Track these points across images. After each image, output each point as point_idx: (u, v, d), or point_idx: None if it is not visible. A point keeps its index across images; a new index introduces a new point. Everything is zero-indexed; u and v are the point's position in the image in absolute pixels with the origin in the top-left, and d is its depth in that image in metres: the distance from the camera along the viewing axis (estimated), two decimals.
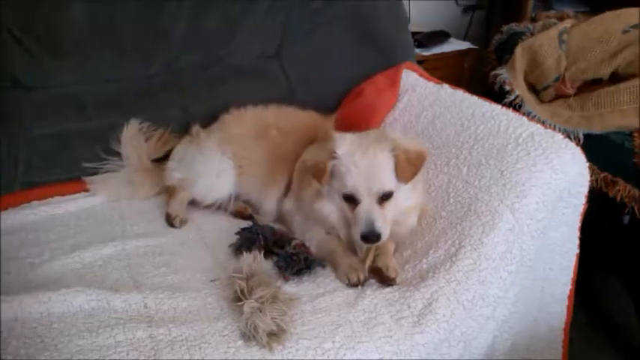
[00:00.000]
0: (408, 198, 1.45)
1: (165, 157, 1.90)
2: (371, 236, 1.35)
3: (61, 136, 1.84)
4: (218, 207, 1.80)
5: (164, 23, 1.94)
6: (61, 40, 1.82)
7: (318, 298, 1.32)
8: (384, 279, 1.35)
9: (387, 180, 1.39)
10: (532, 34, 2.27)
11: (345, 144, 1.41)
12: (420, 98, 1.81)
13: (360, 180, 1.37)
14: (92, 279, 1.39)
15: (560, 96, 2.15)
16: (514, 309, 1.45)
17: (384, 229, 1.36)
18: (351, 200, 1.39)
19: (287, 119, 1.82)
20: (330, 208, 1.46)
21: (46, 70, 1.82)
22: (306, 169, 1.52)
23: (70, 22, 1.81)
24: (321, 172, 1.41)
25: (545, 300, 1.56)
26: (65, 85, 1.86)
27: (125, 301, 1.28)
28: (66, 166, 1.84)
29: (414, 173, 1.41)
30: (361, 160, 1.37)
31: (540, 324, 1.57)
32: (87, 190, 1.83)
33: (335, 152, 1.40)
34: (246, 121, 1.83)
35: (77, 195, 1.81)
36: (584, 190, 1.47)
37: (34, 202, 1.74)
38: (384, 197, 1.38)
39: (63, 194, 1.80)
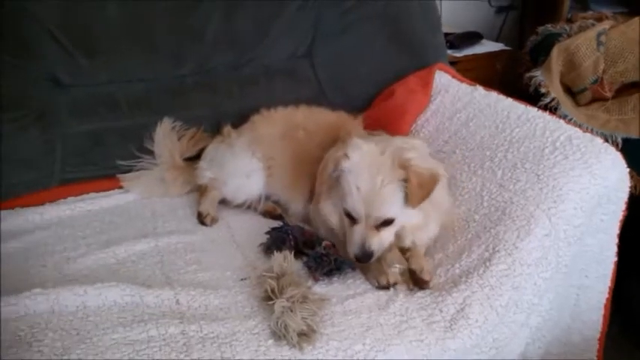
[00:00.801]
0: (413, 217, 1.37)
1: (197, 156, 1.92)
2: (363, 258, 1.33)
3: (95, 134, 1.88)
4: (248, 206, 1.81)
5: (196, 24, 1.96)
6: (96, 39, 1.86)
7: (349, 299, 1.31)
8: (417, 282, 1.33)
9: (390, 210, 1.33)
10: (569, 36, 2.22)
11: (356, 156, 1.35)
12: (453, 100, 1.79)
13: (359, 204, 1.32)
14: (125, 274, 1.41)
15: (597, 99, 2.11)
16: (548, 316, 1.42)
17: (377, 247, 1.33)
18: (350, 217, 1.36)
19: (315, 120, 1.81)
20: (332, 211, 1.44)
21: (81, 68, 1.85)
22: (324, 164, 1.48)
23: (105, 23, 1.85)
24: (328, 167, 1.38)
25: (580, 308, 1.52)
26: (100, 84, 1.90)
27: (158, 297, 1.30)
28: (100, 163, 1.87)
29: (424, 198, 1.34)
30: (366, 185, 1.31)
31: (574, 333, 1.54)
32: (120, 187, 1.86)
33: (341, 163, 1.35)
34: (275, 122, 1.84)
35: (111, 192, 1.85)
36: (624, 196, 1.43)
37: (70, 198, 1.78)
38: (384, 224, 1.34)
39: (97, 191, 1.83)
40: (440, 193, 1.42)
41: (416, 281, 1.33)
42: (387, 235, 1.36)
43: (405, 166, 1.32)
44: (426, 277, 1.32)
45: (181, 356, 1.12)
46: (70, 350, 1.14)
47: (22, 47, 1.77)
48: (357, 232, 1.34)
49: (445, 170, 1.48)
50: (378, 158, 1.34)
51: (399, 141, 1.43)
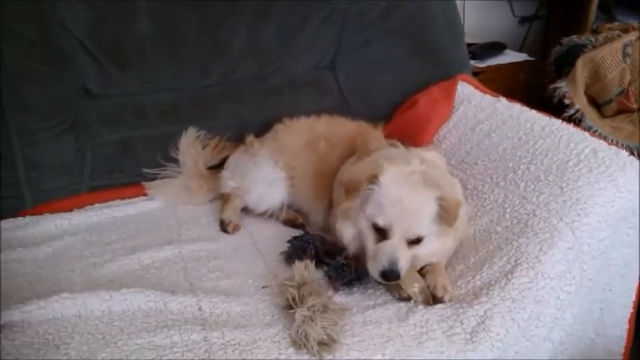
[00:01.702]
0: (432, 243, 1.37)
1: (220, 165, 1.95)
2: (391, 275, 1.29)
3: (124, 142, 1.93)
4: (270, 215, 1.83)
5: (223, 38, 2.00)
6: (126, 51, 1.91)
7: (369, 309, 1.31)
8: (432, 297, 1.32)
9: (425, 226, 1.33)
10: (594, 47, 2.20)
11: (392, 173, 1.34)
12: (476, 111, 1.79)
13: (399, 217, 1.31)
14: (149, 280, 1.44)
15: (622, 111, 2.08)
16: (571, 331, 1.40)
17: (405, 266, 1.31)
18: (380, 232, 1.33)
19: (335, 130, 1.82)
20: (350, 232, 1.41)
21: (111, 79, 1.91)
22: (341, 183, 1.47)
23: (135, 35, 1.90)
24: (354, 190, 1.36)
25: (604, 323, 1.49)
26: (129, 94, 1.95)
27: (181, 304, 1.32)
28: (127, 170, 1.92)
29: (455, 221, 1.34)
30: (407, 198, 1.31)
31: (598, 348, 1.51)
32: (145, 195, 1.91)
33: (377, 178, 1.34)
34: (297, 132, 1.86)
35: (136, 199, 1.89)
36: None
37: (97, 205, 1.83)
38: (415, 241, 1.33)
39: (123, 198, 1.88)
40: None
41: (432, 297, 1.32)
42: (411, 255, 1.34)
43: (437, 186, 1.34)
44: (439, 293, 1.31)
45: None
46: (95, 354, 1.16)
47: (57, 58, 1.82)
48: (389, 247, 1.30)
49: (463, 183, 1.49)
50: (410, 176, 1.35)
51: (416, 162, 1.41)
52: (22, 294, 1.37)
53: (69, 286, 1.39)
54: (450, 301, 1.31)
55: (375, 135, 1.75)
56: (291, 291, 1.28)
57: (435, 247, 1.38)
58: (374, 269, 1.32)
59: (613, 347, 1.53)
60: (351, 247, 1.42)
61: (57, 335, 1.22)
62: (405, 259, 1.31)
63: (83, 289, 1.37)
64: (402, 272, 1.30)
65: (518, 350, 1.27)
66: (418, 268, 1.38)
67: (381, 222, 1.32)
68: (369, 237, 1.36)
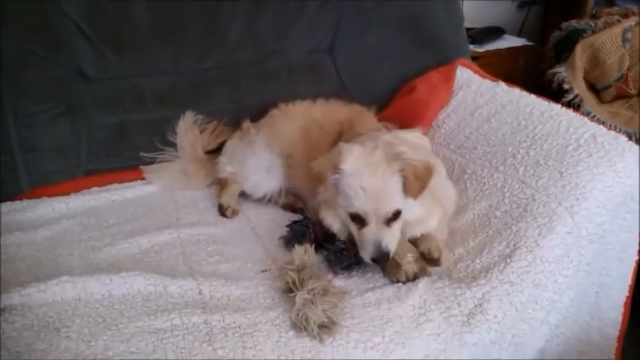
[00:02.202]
0: (414, 209, 1.36)
1: (218, 149, 1.95)
2: (380, 258, 1.31)
3: (120, 126, 1.92)
4: (268, 200, 1.83)
5: (220, 20, 1.98)
6: (122, 35, 1.89)
7: (368, 292, 1.32)
8: (429, 262, 1.34)
9: (396, 201, 1.32)
10: (593, 32, 2.19)
11: (351, 159, 1.32)
12: (475, 95, 1.78)
13: (368, 202, 1.30)
14: (149, 264, 1.44)
15: (621, 96, 2.08)
16: (567, 314, 1.42)
17: (391, 246, 1.32)
18: (358, 220, 1.34)
19: (330, 115, 1.80)
20: (334, 220, 1.42)
21: (108, 62, 1.89)
22: (313, 174, 1.45)
23: (132, 20, 1.88)
24: (322, 181, 1.37)
25: (600, 306, 1.51)
26: (125, 77, 1.93)
27: (181, 287, 1.33)
28: (124, 154, 1.91)
29: (422, 189, 1.32)
30: (369, 182, 1.30)
31: (593, 331, 1.53)
32: (143, 179, 1.90)
33: (338, 167, 1.33)
34: (292, 117, 1.84)
35: (134, 183, 1.88)
36: None
37: (95, 189, 1.83)
38: (392, 217, 1.33)
39: (121, 182, 1.87)
40: (438, 185, 1.40)
41: (428, 262, 1.33)
42: (397, 231, 1.35)
43: (398, 158, 1.32)
44: (434, 253, 1.32)
45: (204, 345, 1.15)
46: (96, 336, 1.17)
47: (54, 41, 1.81)
48: (370, 232, 1.31)
49: (462, 168, 1.45)
50: (371, 156, 1.33)
51: (387, 137, 1.40)
52: (21, 277, 1.37)
53: (68, 269, 1.39)
54: (446, 263, 1.32)
55: (366, 118, 1.74)
56: (291, 274, 1.28)
57: (419, 214, 1.37)
58: (364, 255, 1.34)
59: (608, 330, 1.54)
60: (341, 235, 1.42)
61: (57, 318, 1.23)
62: (389, 238, 1.32)
63: (82, 272, 1.37)
64: (391, 251, 1.32)
65: (516, 333, 1.28)
66: (410, 236, 1.39)
67: (354, 209, 1.32)
68: (351, 225, 1.36)
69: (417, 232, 1.39)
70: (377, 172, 1.30)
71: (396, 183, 1.31)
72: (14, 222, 1.62)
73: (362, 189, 1.30)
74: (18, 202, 1.73)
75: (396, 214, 1.33)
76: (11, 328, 1.19)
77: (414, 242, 1.40)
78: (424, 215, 1.38)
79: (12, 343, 1.15)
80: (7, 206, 1.70)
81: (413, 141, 1.47)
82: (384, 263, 1.34)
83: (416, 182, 1.31)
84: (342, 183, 1.33)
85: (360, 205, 1.31)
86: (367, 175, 1.30)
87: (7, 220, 1.63)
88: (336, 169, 1.33)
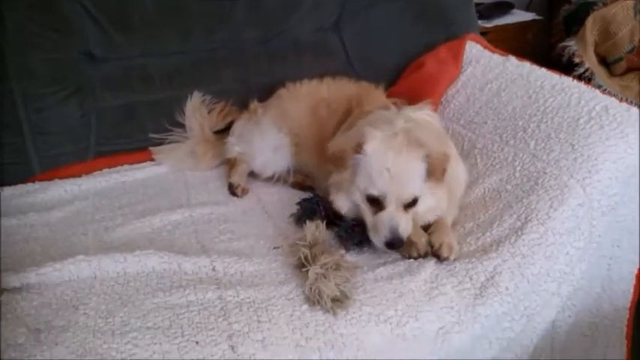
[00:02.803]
0: (427, 198, 1.36)
1: (226, 129, 1.95)
2: (396, 242, 1.30)
3: (128, 107, 1.91)
4: (277, 179, 1.83)
5: (226, 0, 1.96)
6: (129, 15, 1.88)
7: (380, 267, 1.32)
8: (436, 257, 1.34)
9: (417, 187, 1.31)
10: (604, 4, 2.17)
11: (376, 141, 1.31)
12: (485, 70, 1.77)
13: (390, 185, 1.29)
14: (161, 243, 1.46)
15: (632, 69, 2.06)
16: (579, 286, 1.42)
17: (406, 232, 1.31)
18: (375, 203, 1.32)
19: (337, 93, 1.79)
20: (345, 204, 1.40)
21: (115, 43, 1.88)
22: (328, 155, 1.43)
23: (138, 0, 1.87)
24: (340, 163, 1.35)
25: (611, 278, 1.51)
26: (132, 58, 1.92)
27: (194, 264, 1.34)
28: (134, 136, 1.92)
29: (442, 176, 1.33)
30: (395, 164, 1.28)
31: (604, 302, 1.53)
32: (153, 160, 1.91)
33: (362, 147, 1.31)
34: (300, 97, 1.84)
35: (144, 164, 1.89)
36: None
37: (106, 170, 1.84)
38: (411, 203, 1.32)
39: (131, 163, 1.89)
40: (449, 170, 1.38)
41: (436, 256, 1.33)
42: (410, 219, 1.34)
43: (422, 144, 1.31)
44: (444, 253, 1.31)
45: (219, 319, 1.17)
46: (114, 313, 1.19)
47: (60, 23, 1.80)
48: (387, 216, 1.30)
49: (472, 143, 1.45)
50: (394, 140, 1.32)
51: (401, 121, 1.37)
52: (36, 257, 1.39)
53: (83, 249, 1.41)
54: (456, 259, 1.31)
55: (375, 95, 1.73)
56: (303, 250, 1.29)
57: (430, 204, 1.37)
58: (377, 240, 1.33)
59: (619, 302, 1.55)
60: (350, 216, 1.42)
61: (74, 296, 1.25)
62: (405, 223, 1.31)
63: (97, 251, 1.38)
64: (405, 237, 1.31)
65: (528, 305, 1.29)
66: (418, 225, 1.39)
67: (374, 192, 1.31)
68: (366, 209, 1.35)
69: (429, 219, 1.40)
70: (401, 156, 1.29)
71: (419, 168, 1.31)
72: (27, 204, 1.64)
73: (387, 170, 1.29)
74: (30, 184, 1.74)
75: (415, 201, 1.33)
76: (30, 306, 1.21)
77: (424, 228, 1.40)
78: (435, 203, 1.38)
79: (31, 320, 1.17)
80: (20, 188, 1.71)
81: (423, 119, 1.46)
82: (397, 249, 1.33)
83: (439, 169, 1.31)
84: (365, 164, 1.31)
85: (381, 186, 1.30)
86: (393, 157, 1.29)
87: (20, 202, 1.65)
88: (359, 149, 1.32)
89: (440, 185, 1.36)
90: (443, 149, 1.35)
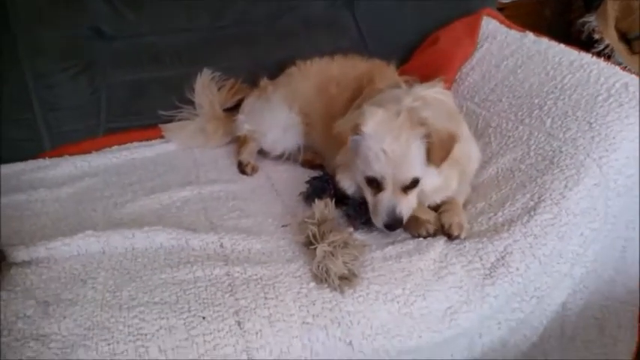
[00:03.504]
0: (433, 177, 1.32)
1: (236, 107, 1.93)
2: (394, 224, 1.29)
3: (138, 84, 1.91)
4: (287, 157, 1.82)
5: None
6: None
7: (388, 246, 1.31)
8: (447, 236, 1.32)
9: (416, 168, 1.28)
10: None
11: (374, 121, 1.28)
12: (501, 46, 1.72)
13: (387, 167, 1.26)
14: (170, 219, 1.46)
15: None
16: (591, 267, 1.39)
17: (406, 212, 1.29)
18: (374, 185, 1.31)
19: (348, 71, 1.75)
20: (350, 184, 1.39)
21: (125, 20, 1.87)
22: (334, 135, 1.41)
23: None
24: (342, 143, 1.33)
25: (625, 260, 1.48)
26: (142, 35, 1.91)
27: (202, 241, 1.34)
28: (143, 113, 1.92)
29: (445, 157, 1.28)
30: (391, 146, 1.25)
31: (617, 285, 1.50)
32: (162, 137, 1.91)
33: (359, 128, 1.29)
34: (310, 75, 1.81)
35: (154, 141, 1.90)
36: None
37: (115, 147, 1.85)
38: (410, 185, 1.30)
39: (141, 140, 1.89)
40: (459, 150, 1.34)
41: (445, 235, 1.31)
42: (413, 199, 1.32)
43: (423, 123, 1.27)
44: (454, 231, 1.29)
45: (226, 295, 1.17)
46: (122, 287, 1.20)
47: (71, 1, 1.79)
48: (386, 198, 1.29)
49: (486, 121, 1.40)
50: (394, 120, 1.28)
51: (410, 99, 1.34)
52: (46, 232, 1.40)
53: (92, 224, 1.42)
54: (466, 238, 1.29)
55: (386, 73, 1.68)
56: (311, 228, 1.28)
57: (437, 184, 1.34)
58: (377, 222, 1.32)
59: (632, 285, 1.52)
60: (356, 197, 1.41)
61: (83, 270, 1.26)
62: (404, 205, 1.29)
63: (106, 227, 1.39)
64: (405, 217, 1.30)
65: (539, 286, 1.27)
66: (426, 205, 1.37)
67: (371, 174, 1.29)
68: (366, 189, 1.34)
69: (436, 199, 1.37)
70: (400, 137, 1.26)
71: (418, 149, 1.27)
72: (38, 179, 1.65)
73: (383, 152, 1.26)
74: (41, 160, 1.76)
75: (414, 182, 1.30)
76: (39, 280, 1.23)
77: (435, 208, 1.38)
78: (443, 183, 1.35)
79: (40, 293, 1.19)
80: (31, 164, 1.73)
81: (434, 97, 1.42)
82: (396, 230, 1.32)
83: (440, 150, 1.27)
84: (363, 145, 1.29)
85: (378, 168, 1.28)
86: (390, 139, 1.26)
87: (31, 177, 1.67)
88: (357, 130, 1.29)
89: (449, 165, 1.33)
90: (450, 129, 1.30)
